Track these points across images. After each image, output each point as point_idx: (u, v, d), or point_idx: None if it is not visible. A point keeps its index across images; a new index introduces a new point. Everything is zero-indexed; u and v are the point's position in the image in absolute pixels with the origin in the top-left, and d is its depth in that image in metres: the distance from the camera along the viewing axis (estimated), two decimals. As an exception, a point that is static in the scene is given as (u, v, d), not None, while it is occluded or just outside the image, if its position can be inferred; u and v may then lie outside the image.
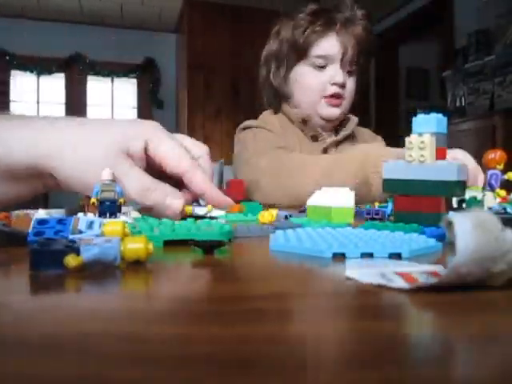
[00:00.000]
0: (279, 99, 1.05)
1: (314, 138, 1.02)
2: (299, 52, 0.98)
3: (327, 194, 0.41)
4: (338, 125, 1.04)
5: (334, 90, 0.97)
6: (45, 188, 0.42)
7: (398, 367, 0.12)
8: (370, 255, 0.26)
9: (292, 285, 0.21)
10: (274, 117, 1.06)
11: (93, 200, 0.40)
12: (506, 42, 2.59)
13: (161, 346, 0.13)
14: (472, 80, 2.72)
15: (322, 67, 0.97)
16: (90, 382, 0.11)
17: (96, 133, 0.40)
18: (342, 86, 0.97)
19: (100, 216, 0.41)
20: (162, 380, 0.11)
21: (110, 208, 0.40)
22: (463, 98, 2.79)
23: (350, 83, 0.99)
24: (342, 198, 0.39)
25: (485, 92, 2.64)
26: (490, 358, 0.12)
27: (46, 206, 3.12)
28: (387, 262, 0.24)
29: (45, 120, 0.41)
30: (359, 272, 0.21)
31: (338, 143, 1.02)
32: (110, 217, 0.41)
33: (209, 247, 0.28)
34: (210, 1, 3.71)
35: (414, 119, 0.34)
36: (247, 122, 1.05)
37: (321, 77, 0.98)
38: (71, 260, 0.22)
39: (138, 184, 0.39)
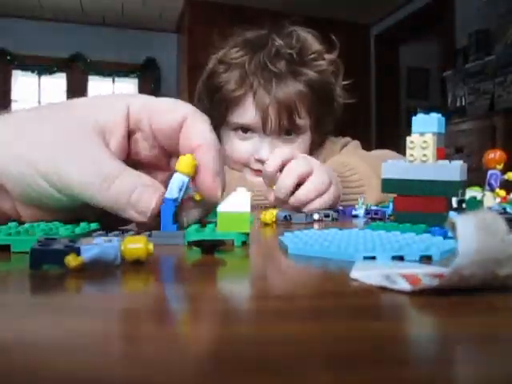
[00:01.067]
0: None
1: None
2: (218, 114, 0.79)
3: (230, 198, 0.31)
4: None
5: (258, 166, 0.76)
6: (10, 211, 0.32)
7: (397, 367, 0.12)
8: (401, 258, 0.25)
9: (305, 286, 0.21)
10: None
11: None
12: (507, 42, 2.59)
13: (161, 346, 0.13)
14: (472, 80, 2.72)
15: (246, 135, 0.78)
16: (90, 381, 0.11)
17: (45, 123, 0.30)
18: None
19: None
20: (162, 380, 0.11)
21: None
22: (464, 98, 2.79)
23: (287, 151, 0.71)
24: (233, 200, 0.30)
25: (485, 92, 2.65)
26: (490, 358, 0.12)
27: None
28: (395, 264, 0.24)
29: None
30: (364, 273, 0.21)
31: None
32: None
33: (209, 247, 0.28)
34: (210, 1, 3.72)
35: (413, 119, 0.34)
36: None
37: (243, 146, 0.79)
38: (71, 260, 0.22)
39: (90, 171, 0.28)
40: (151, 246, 0.24)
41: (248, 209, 0.29)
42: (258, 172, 0.75)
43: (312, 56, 0.77)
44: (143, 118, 0.32)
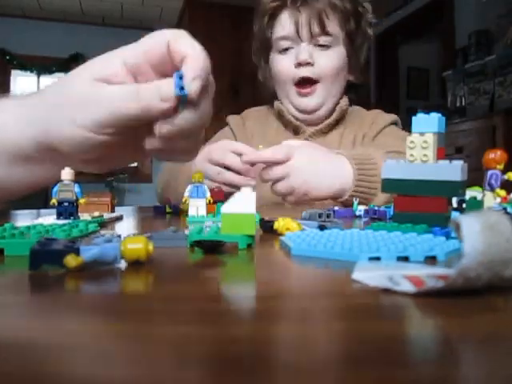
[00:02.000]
0: (271, 95, 0.99)
1: (296, 132, 0.94)
2: (264, 42, 0.93)
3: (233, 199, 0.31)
4: (328, 115, 0.92)
5: (301, 72, 0.86)
6: (55, 167, 0.40)
7: (397, 367, 0.12)
8: (406, 258, 0.25)
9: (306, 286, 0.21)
10: (256, 111, 1.02)
11: (52, 200, 0.40)
12: (507, 42, 2.59)
13: (161, 346, 0.13)
14: (472, 80, 2.72)
15: (286, 49, 0.89)
16: (90, 381, 0.11)
17: (60, 86, 0.39)
18: (308, 63, 0.86)
19: (58, 217, 0.40)
20: (162, 380, 0.11)
21: (68, 209, 0.39)
22: (463, 98, 2.79)
23: (325, 58, 0.87)
24: (237, 201, 0.29)
25: (485, 92, 2.64)
26: (492, 358, 0.12)
27: (45, 206, 3.12)
28: (398, 265, 0.23)
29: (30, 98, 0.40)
30: (367, 275, 0.20)
31: (324, 133, 0.92)
32: (68, 218, 0.40)
33: (210, 247, 0.27)
34: (210, 1, 3.71)
35: (413, 118, 0.34)
36: (229, 117, 1.03)
37: (285, 59, 0.89)
38: (71, 260, 0.21)
39: (118, 93, 0.35)
40: (151, 246, 0.24)
41: (253, 210, 0.29)
42: (301, 88, 0.87)
43: None
44: (139, 65, 0.38)
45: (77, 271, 0.22)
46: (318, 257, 0.26)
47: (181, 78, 0.33)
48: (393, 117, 0.96)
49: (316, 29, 0.85)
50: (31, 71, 4.03)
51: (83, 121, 0.35)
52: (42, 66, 4.01)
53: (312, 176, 0.65)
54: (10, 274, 0.24)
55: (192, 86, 0.35)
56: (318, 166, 0.66)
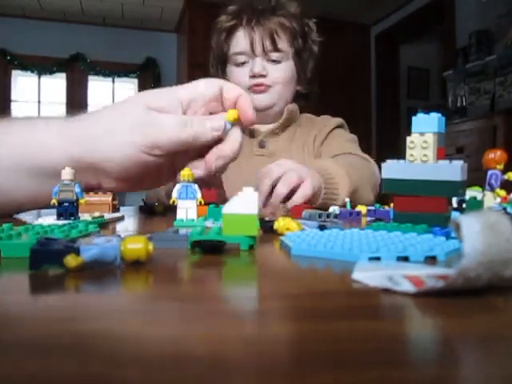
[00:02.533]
0: None
1: (251, 135, 1.02)
2: (221, 56, 1.03)
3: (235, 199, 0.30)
4: (279, 117, 1.02)
5: (253, 81, 0.97)
6: (96, 185, 0.46)
7: (397, 367, 0.12)
8: (406, 258, 0.25)
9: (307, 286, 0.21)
10: None
11: (53, 200, 0.39)
12: (507, 42, 2.59)
13: (161, 346, 0.13)
14: (473, 80, 2.72)
15: (242, 63, 1.00)
16: (90, 381, 0.11)
17: (113, 111, 0.45)
18: (262, 75, 0.97)
19: (59, 218, 0.39)
20: (162, 380, 0.11)
21: (68, 209, 0.39)
22: (464, 98, 2.79)
23: (276, 71, 0.98)
24: (239, 201, 0.28)
25: (486, 92, 2.64)
26: (493, 358, 0.12)
27: (46, 206, 3.12)
28: (397, 265, 0.23)
29: (64, 120, 0.45)
30: (366, 275, 0.20)
31: (276, 134, 1.02)
32: (69, 218, 0.39)
33: (210, 247, 0.27)
34: (210, 1, 3.71)
35: (413, 118, 0.34)
36: None
37: (241, 72, 1.00)
38: (71, 260, 0.21)
39: (175, 121, 0.42)
40: (151, 246, 0.24)
41: (256, 210, 0.29)
42: (255, 87, 0.98)
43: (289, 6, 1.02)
44: (194, 98, 0.45)
45: (77, 271, 0.22)
46: (318, 257, 0.26)
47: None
48: (339, 120, 1.08)
49: (268, 46, 0.97)
50: (32, 71, 4.04)
51: (142, 142, 0.41)
52: (43, 66, 4.01)
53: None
54: (11, 273, 0.24)
55: (249, 115, 0.45)
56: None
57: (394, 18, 3.85)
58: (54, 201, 0.39)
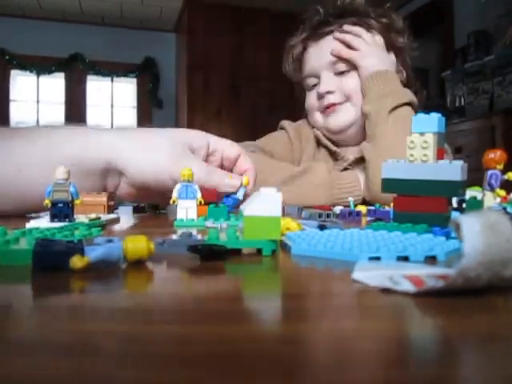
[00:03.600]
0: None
1: (334, 157, 0.90)
2: (297, 80, 0.96)
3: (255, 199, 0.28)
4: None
5: (324, 102, 0.87)
6: (112, 187, 0.53)
7: (397, 367, 0.12)
8: (406, 258, 0.25)
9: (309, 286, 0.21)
10: (308, 128, 0.97)
11: (46, 201, 0.37)
12: (506, 43, 2.60)
13: (161, 346, 0.13)
14: (471, 80, 2.73)
15: (314, 86, 0.90)
16: (90, 381, 0.11)
17: (161, 137, 0.52)
18: (329, 92, 0.86)
19: (52, 220, 0.37)
20: (161, 380, 0.11)
21: (63, 210, 0.37)
22: (463, 98, 2.79)
23: (347, 82, 0.85)
24: (261, 202, 0.26)
25: (484, 92, 2.65)
26: (493, 358, 0.12)
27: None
28: (397, 264, 0.23)
29: (115, 130, 0.54)
30: (366, 274, 0.20)
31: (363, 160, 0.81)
32: (63, 220, 0.37)
33: (208, 253, 0.25)
34: (210, 1, 3.71)
35: (413, 118, 0.34)
36: (283, 122, 1.00)
37: (312, 95, 0.91)
38: (77, 261, 0.21)
39: (204, 167, 0.50)
40: (152, 245, 0.24)
41: (279, 212, 0.26)
42: (324, 108, 0.88)
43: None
44: (217, 149, 0.57)
45: (82, 272, 0.21)
46: (318, 257, 0.26)
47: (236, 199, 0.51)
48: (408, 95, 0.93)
49: (331, 57, 0.85)
50: (31, 71, 4.03)
51: (172, 171, 0.49)
52: (42, 65, 4.01)
53: None
54: (13, 274, 0.23)
55: (247, 190, 0.51)
56: None
57: (392, 18, 3.85)
58: (47, 201, 0.37)
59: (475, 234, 0.16)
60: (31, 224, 0.37)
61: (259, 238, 0.26)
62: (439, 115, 0.34)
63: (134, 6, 3.87)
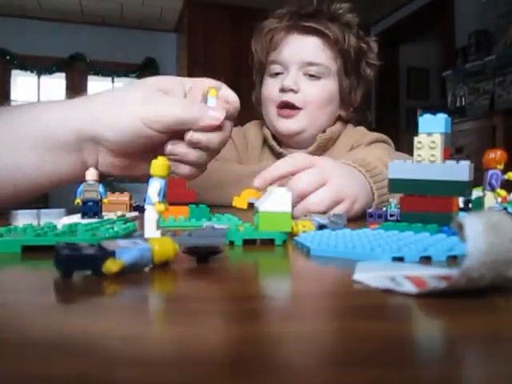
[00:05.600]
0: (260, 117, 0.96)
1: (278, 157, 0.84)
2: (259, 64, 0.91)
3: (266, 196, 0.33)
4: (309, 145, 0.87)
5: (281, 97, 0.84)
6: (91, 161, 0.48)
7: (398, 367, 0.12)
8: (428, 258, 0.25)
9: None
10: (255, 127, 0.97)
11: (77, 200, 0.40)
12: (507, 42, 2.59)
13: (161, 346, 0.13)
14: (472, 80, 2.72)
15: (277, 74, 0.87)
16: (91, 381, 0.11)
17: (129, 90, 0.48)
18: (292, 90, 0.83)
19: (83, 217, 0.41)
20: (161, 380, 0.11)
21: (92, 208, 0.40)
22: (463, 98, 2.79)
23: (312, 89, 0.84)
24: (274, 200, 0.30)
25: (485, 92, 2.65)
26: (494, 358, 0.12)
27: (46, 206, 3.10)
28: (399, 265, 0.24)
29: (85, 97, 0.50)
30: (368, 275, 0.20)
31: None
32: (93, 217, 0.40)
33: (203, 255, 0.25)
34: (210, 1, 3.71)
35: (420, 119, 0.34)
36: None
37: (273, 84, 0.87)
38: (112, 265, 0.20)
39: (180, 101, 0.46)
40: (177, 246, 0.23)
41: (289, 209, 0.31)
42: (283, 111, 0.84)
43: (344, 13, 0.88)
44: (195, 86, 0.50)
45: (114, 276, 0.21)
46: (337, 257, 0.26)
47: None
48: (381, 136, 0.90)
49: (308, 57, 0.84)
50: (31, 71, 4.03)
51: (144, 115, 0.44)
52: (42, 66, 4.00)
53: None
54: (40, 277, 0.24)
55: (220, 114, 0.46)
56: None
57: (393, 18, 3.85)
58: (78, 200, 0.40)
59: (478, 234, 0.16)
60: (65, 220, 0.40)
61: (273, 230, 0.30)
62: (446, 116, 0.34)
63: (135, 6, 3.86)
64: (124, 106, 0.46)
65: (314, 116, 0.85)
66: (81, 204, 0.40)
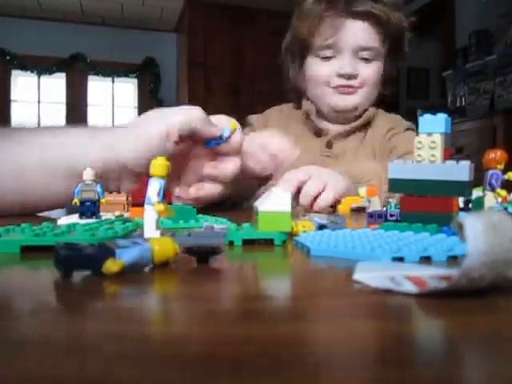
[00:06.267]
0: (299, 94, 0.98)
1: (318, 134, 0.94)
2: (303, 44, 0.91)
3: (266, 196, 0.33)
4: (357, 117, 0.94)
5: (340, 81, 0.88)
6: (114, 185, 0.52)
7: (398, 367, 0.12)
8: (428, 258, 0.25)
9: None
10: (277, 111, 1.01)
11: (75, 200, 0.40)
12: (507, 42, 2.59)
13: (161, 346, 0.13)
14: (472, 80, 2.72)
15: (328, 58, 0.89)
16: (90, 381, 0.11)
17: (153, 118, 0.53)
18: (351, 76, 0.88)
19: (81, 217, 0.40)
20: (161, 380, 0.11)
21: (90, 208, 0.40)
22: (464, 98, 2.79)
23: (367, 71, 0.89)
24: (273, 200, 0.31)
25: (485, 92, 2.65)
26: (495, 358, 0.12)
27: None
28: (399, 265, 0.24)
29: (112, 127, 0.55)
30: (368, 275, 0.20)
31: (346, 135, 0.92)
32: (91, 217, 0.40)
33: (203, 255, 0.25)
34: (210, 1, 3.71)
35: (420, 119, 0.34)
36: (249, 117, 1.01)
37: (326, 68, 0.89)
38: (112, 265, 0.20)
39: (182, 116, 0.51)
40: (177, 246, 0.23)
41: (289, 208, 0.31)
42: (340, 88, 0.89)
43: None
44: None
45: (114, 276, 0.20)
46: (337, 257, 0.26)
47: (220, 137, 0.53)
48: (410, 124, 0.98)
49: (362, 42, 0.87)
50: (31, 71, 4.03)
51: (156, 130, 0.50)
52: (42, 66, 4.00)
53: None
54: (39, 278, 0.24)
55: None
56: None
57: (393, 18, 3.84)
58: (75, 200, 0.40)
59: (478, 234, 0.16)
60: (63, 220, 0.40)
61: (272, 230, 0.30)
62: (446, 115, 0.34)
63: (135, 6, 3.86)
64: (139, 128, 0.50)
65: (369, 94, 0.92)
66: (78, 204, 0.40)
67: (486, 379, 0.11)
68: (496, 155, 0.40)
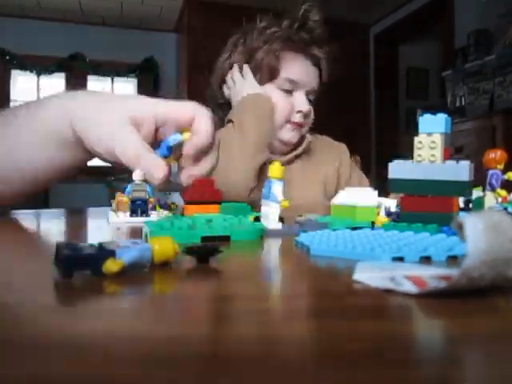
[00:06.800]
0: (225, 107, 0.98)
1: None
2: (271, 72, 0.91)
3: (351, 193, 0.41)
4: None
5: (299, 118, 0.92)
6: (82, 159, 0.50)
7: (398, 367, 0.12)
8: (428, 258, 0.25)
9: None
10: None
11: (125, 199, 0.43)
12: (506, 42, 2.59)
13: (161, 346, 0.13)
14: (472, 80, 2.72)
15: (289, 91, 0.91)
16: (91, 381, 0.11)
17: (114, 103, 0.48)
18: (306, 115, 0.92)
19: (132, 215, 0.44)
20: (161, 379, 0.11)
21: (141, 206, 0.43)
22: (463, 98, 2.79)
23: (311, 109, 0.95)
24: (365, 197, 0.39)
25: (485, 92, 2.65)
26: (493, 359, 0.12)
27: (46, 206, 3.11)
28: (399, 265, 0.24)
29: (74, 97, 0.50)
30: (368, 275, 0.20)
31: (288, 164, 0.95)
32: (141, 215, 0.43)
33: (203, 255, 0.25)
34: (210, 0, 3.71)
35: (420, 119, 0.34)
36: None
37: (287, 101, 0.91)
38: (112, 265, 0.20)
39: (136, 148, 0.44)
40: (177, 246, 0.23)
41: (375, 203, 0.38)
42: (296, 125, 0.92)
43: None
44: (167, 118, 0.47)
45: (114, 276, 0.21)
46: (335, 257, 0.26)
47: (168, 147, 0.44)
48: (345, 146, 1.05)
49: (313, 85, 0.93)
50: (31, 71, 4.02)
51: (107, 149, 0.45)
52: (42, 65, 4.00)
53: None
54: (37, 276, 0.24)
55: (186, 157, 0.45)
56: None
57: (393, 18, 3.85)
58: (126, 199, 0.43)
59: (478, 234, 0.16)
60: (116, 219, 0.43)
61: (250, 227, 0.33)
62: (446, 116, 0.34)
63: (135, 5, 3.86)
64: (102, 128, 0.46)
65: (307, 129, 0.98)
66: (129, 203, 0.42)
67: (486, 379, 0.11)
68: (496, 155, 0.40)
